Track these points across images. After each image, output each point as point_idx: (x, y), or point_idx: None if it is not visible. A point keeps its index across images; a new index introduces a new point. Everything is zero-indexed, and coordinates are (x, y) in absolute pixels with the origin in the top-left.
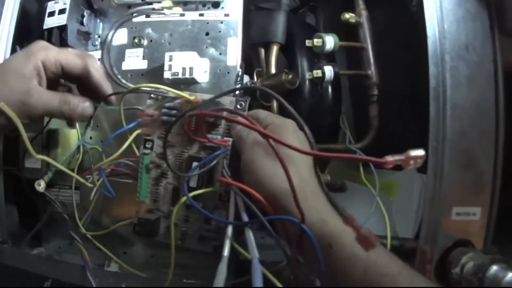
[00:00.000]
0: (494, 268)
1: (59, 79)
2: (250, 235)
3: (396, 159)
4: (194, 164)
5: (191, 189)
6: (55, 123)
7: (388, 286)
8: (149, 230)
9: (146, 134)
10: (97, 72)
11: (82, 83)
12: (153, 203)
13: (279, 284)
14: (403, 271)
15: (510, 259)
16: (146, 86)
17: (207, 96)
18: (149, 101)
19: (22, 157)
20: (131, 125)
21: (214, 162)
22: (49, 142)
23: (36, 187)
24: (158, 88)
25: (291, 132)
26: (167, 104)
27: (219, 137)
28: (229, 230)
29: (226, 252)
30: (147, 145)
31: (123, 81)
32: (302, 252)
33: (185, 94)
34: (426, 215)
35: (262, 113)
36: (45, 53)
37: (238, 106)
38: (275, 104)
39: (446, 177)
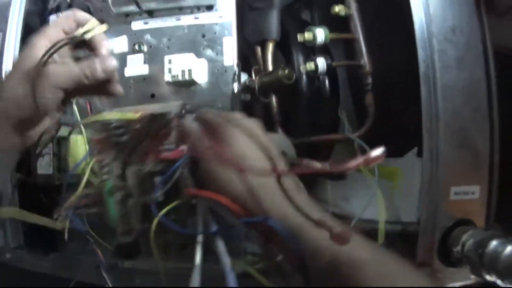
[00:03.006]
0: (494, 243)
1: None
2: (220, 245)
3: (357, 163)
4: (157, 179)
5: (160, 204)
6: (64, 131)
7: (355, 274)
8: (130, 252)
9: (102, 160)
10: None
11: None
12: (126, 224)
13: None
14: (375, 257)
15: None
16: (94, 119)
17: (152, 107)
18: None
19: (34, 165)
20: (85, 158)
21: (177, 175)
22: (59, 149)
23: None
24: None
25: (242, 129)
26: (114, 125)
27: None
28: (198, 249)
29: (197, 260)
30: (104, 171)
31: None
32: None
33: (129, 115)
34: (424, 197)
35: (209, 113)
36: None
37: (186, 109)
38: (274, 99)
39: (442, 158)
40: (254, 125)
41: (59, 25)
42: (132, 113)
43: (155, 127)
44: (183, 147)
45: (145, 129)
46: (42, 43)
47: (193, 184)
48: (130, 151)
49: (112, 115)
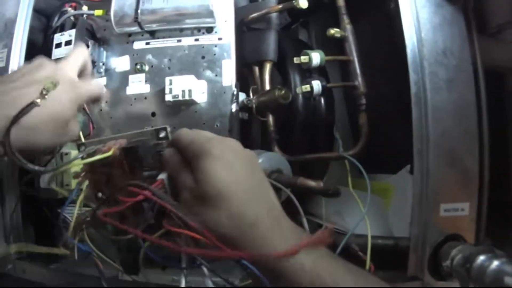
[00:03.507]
0: (481, 258)
1: None
2: (207, 281)
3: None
4: (145, 204)
5: (151, 226)
6: (67, 147)
7: None
8: (133, 268)
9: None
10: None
11: None
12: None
13: None
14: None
15: None
16: (72, 165)
17: (128, 135)
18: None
19: (37, 178)
20: (74, 192)
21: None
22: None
23: None
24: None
25: (215, 159)
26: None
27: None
28: (182, 277)
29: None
30: (98, 197)
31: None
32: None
33: (101, 155)
34: (415, 214)
35: (184, 139)
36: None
37: (161, 135)
38: (270, 118)
39: (432, 177)
40: (237, 158)
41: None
42: (107, 147)
43: (130, 159)
44: (163, 175)
45: (122, 161)
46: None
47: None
48: (119, 175)
49: (88, 159)
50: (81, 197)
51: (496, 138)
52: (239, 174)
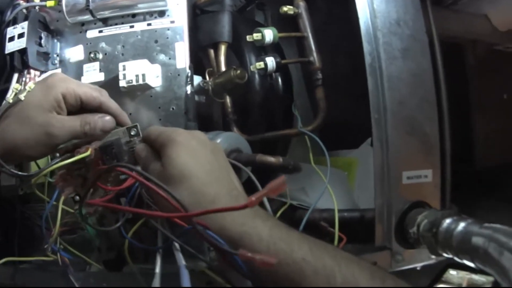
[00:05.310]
0: (447, 221)
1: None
2: (178, 254)
3: (259, 196)
4: (123, 199)
5: (130, 220)
6: None
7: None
8: (118, 265)
9: (71, 193)
10: (112, 103)
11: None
12: (108, 240)
13: None
14: (308, 256)
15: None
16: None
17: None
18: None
19: None
20: (52, 200)
21: (137, 193)
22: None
23: None
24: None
25: (180, 146)
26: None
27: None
28: (158, 257)
29: (157, 269)
30: (76, 200)
31: None
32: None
33: (79, 156)
34: (377, 184)
35: (153, 133)
36: (65, 85)
37: (132, 133)
38: (228, 100)
39: (391, 145)
40: (202, 147)
41: (71, 93)
42: (85, 148)
43: (106, 158)
44: (138, 168)
45: (98, 161)
46: (50, 105)
47: (151, 200)
48: (92, 179)
49: (66, 161)
50: (62, 200)
51: (459, 112)
52: (201, 158)
